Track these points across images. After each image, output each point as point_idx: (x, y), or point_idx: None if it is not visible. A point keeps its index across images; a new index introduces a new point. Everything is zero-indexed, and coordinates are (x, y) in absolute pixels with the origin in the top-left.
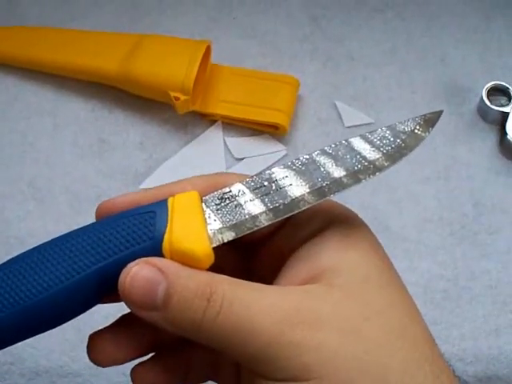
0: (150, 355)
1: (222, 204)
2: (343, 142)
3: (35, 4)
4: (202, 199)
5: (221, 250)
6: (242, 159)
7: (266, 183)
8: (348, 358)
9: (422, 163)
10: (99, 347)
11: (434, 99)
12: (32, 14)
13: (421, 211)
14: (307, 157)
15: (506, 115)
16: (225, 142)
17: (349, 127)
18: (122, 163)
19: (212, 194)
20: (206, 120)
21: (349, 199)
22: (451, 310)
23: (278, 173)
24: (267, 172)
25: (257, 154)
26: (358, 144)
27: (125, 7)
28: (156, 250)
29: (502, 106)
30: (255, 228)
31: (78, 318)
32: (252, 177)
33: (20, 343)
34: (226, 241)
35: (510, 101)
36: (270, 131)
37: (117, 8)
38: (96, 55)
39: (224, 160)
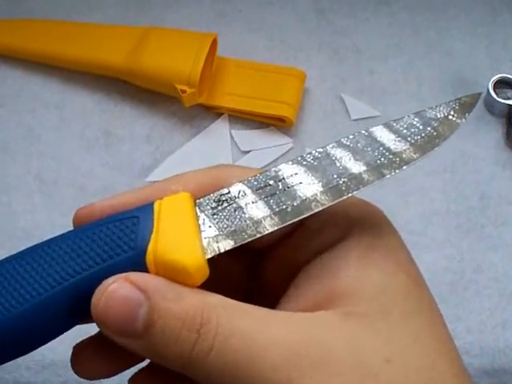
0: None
1: (219, 207)
2: (363, 131)
3: None
4: (195, 202)
5: (222, 260)
6: (249, 152)
7: (271, 182)
8: None
9: (428, 156)
10: (82, 361)
11: (441, 92)
12: (38, 8)
13: (427, 204)
14: (321, 150)
15: None
16: (231, 135)
17: (355, 120)
18: (129, 156)
19: (208, 197)
20: (213, 113)
21: (357, 192)
22: (457, 303)
23: (286, 170)
24: (273, 169)
25: (263, 146)
26: (381, 134)
27: (131, 0)
28: (138, 263)
29: (509, 98)
30: (258, 235)
31: None
32: (255, 175)
33: None
34: (222, 250)
35: None
36: (277, 124)
37: (123, 1)
38: (102, 48)
39: (230, 153)
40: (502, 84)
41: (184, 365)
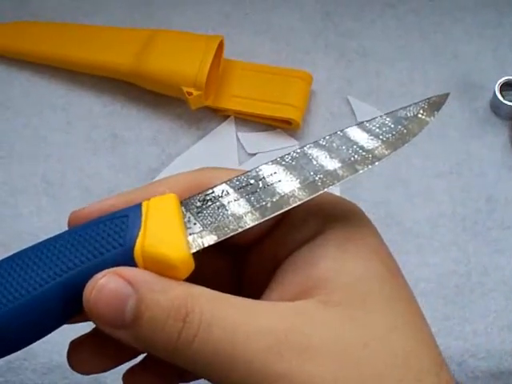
0: (142, 357)
1: (204, 206)
2: (338, 132)
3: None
4: (181, 202)
5: (209, 257)
6: (255, 154)
7: (252, 181)
8: None
9: (434, 158)
10: (78, 356)
11: None
12: (44, 10)
13: (434, 207)
14: (298, 151)
15: None
16: (237, 137)
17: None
18: (135, 158)
19: (193, 197)
20: (219, 115)
21: (361, 194)
22: (464, 306)
23: (266, 170)
24: (254, 169)
25: (270, 149)
26: (355, 134)
27: (138, 2)
28: (127, 258)
29: None
30: (240, 229)
31: None
32: (237, 176)
33: None
34: (206, 245)
35: None
36: (283, 126)
37: (130, 3)
38: (109, 50)
39: (237, 155)
40: (508, 86)
41: (171, 353)
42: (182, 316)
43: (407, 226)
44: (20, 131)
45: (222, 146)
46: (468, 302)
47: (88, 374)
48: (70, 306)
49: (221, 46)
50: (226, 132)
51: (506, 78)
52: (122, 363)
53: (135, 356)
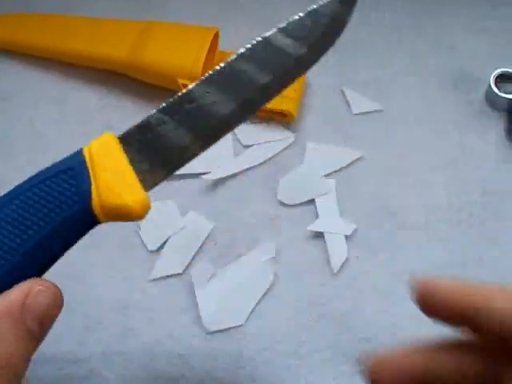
0: None
1: (144, 140)
2: (259, 39)
3: None
4: (120, 138)
5: None
6: (251, 146)
7: (186, 105)
8: None
9: (430, 151)
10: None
11: (443, 87)
12: (40, 2)
13: (429, 199)
14: (223, 65)
15: None
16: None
17: (357, 114)
18: None
19: (129, 131)
20: None
21: (359, 187)
22: None
23: (198, 90)
24: (185, 91)
25: (265, 140)
26: (277, 39)
27: None
28: (86, 214)
29: (511, 93)
30: (188, 160)
31: (86, 304)
32: (170, 100)
33: None
34: (159, 182)
35: None
36: (278, 118)
37: None
38: (104, 42)
39: (232, 147)
40: (503, 78)
41: None
42: None
43: (402, 219)
44: (14, 124)
45: None
46: None
47: None
48: (46, 266)
49: (216, 37)
50: None
51: (501, 69)
52: None
53: None
